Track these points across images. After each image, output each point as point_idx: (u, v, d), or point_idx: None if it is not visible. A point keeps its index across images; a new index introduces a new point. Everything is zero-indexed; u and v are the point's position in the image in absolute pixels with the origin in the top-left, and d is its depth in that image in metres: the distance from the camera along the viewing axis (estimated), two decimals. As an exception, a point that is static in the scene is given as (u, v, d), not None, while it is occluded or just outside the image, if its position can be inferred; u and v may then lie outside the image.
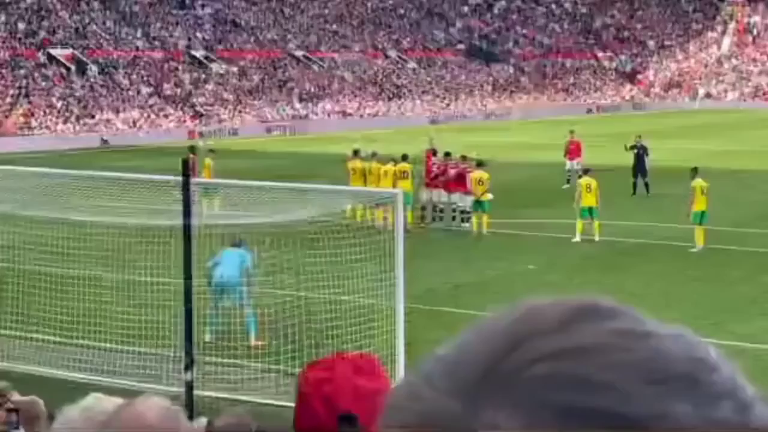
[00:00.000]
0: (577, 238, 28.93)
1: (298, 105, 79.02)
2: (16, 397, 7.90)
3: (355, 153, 34.06)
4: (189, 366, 14.23)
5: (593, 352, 0.86)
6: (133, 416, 2.49)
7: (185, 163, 14.82)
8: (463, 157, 33.03)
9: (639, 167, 38.86)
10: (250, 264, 18.29)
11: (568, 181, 38.57)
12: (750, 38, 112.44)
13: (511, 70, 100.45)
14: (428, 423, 0.86)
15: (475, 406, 0.85)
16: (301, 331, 17.08)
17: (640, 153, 39.27)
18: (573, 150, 40.54)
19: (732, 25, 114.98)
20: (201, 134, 31.37)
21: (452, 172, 32.42)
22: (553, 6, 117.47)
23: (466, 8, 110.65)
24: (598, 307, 0.90)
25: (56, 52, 74.79)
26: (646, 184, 38.24)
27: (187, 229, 14.09)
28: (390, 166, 32.40)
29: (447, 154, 33.66)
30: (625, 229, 30.59)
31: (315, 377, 2.61)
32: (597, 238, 28.94)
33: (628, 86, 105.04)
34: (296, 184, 19.62)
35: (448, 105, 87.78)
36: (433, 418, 0.86)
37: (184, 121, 71.71)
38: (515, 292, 23.19)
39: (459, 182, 32.01)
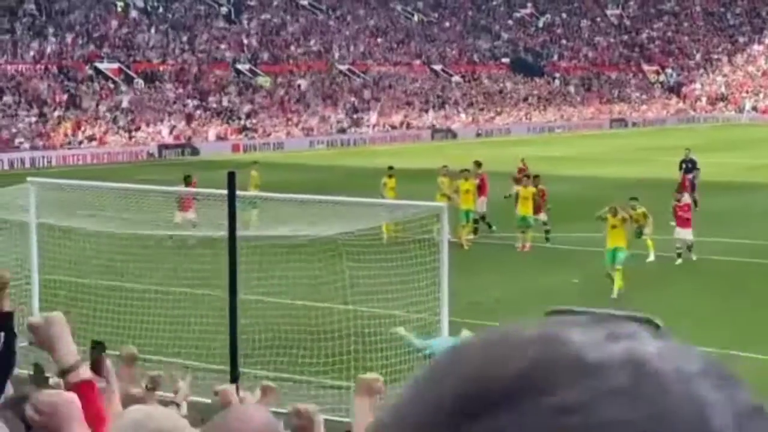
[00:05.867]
0: (651, 257, 28.86)
1: (344, 118, 79.18)
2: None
3: (390, 169, 34.41)
4: (235, 379, 14.26)
5: None
6: (241, 418, 2.56)
7: (231, 176, 14.83)
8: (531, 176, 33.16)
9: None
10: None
11: (489, 226, 33.94)
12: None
13: (557, 84, 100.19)
14: None
15: None
16: (348, 344, 17.10)
17: (689, 167, 39.03)
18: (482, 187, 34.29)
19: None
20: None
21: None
22: (598, 19, 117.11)
23: (510, 21, 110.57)
24: (556, 364, 0.79)
25: (104, 65, 75.46)
26: (695, 200, 37.87)
27: (232, 242, 14.13)
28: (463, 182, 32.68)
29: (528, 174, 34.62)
30: (672, 244, 30.40)
31: None
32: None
33: (674, 99, 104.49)
34: (341, 197, 19.67)
35: (493, 118, 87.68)
36: None
37: (231, 134, 72.04)
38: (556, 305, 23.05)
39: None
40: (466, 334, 18.43)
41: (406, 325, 17.20)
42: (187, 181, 30.85)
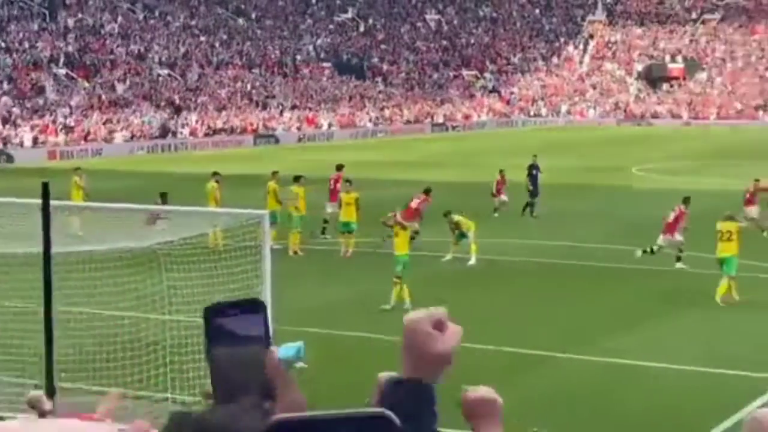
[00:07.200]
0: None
1: (165, 119, 77.94)
2: None
3: (214, 174, 33.91)
4: (51, 394, 13.83)
5: None
6: None
7: (45, 186, 14.37)
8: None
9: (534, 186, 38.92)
10: None
11: (323, 231, 33.54)
12: (610, 55, 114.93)
13: (380, 87, 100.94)
14: None
15: None
16: (166, 355, 16.78)
17: (535, 173, 39.47)
18: (334, 193, 33.95)
19: (593, 43, 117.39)
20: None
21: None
22: (419, 24, 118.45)
23: (332, 26, 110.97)
24: None
25: None
26: (529, 204, 38.11)
27: (47, 254, 13.70)
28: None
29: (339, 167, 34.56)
30: (502, 247, 30.83)
31: None
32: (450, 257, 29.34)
33: (493, 103, 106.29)
34: (161, 206, 19.31)
35: (316, 121, 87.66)
36: None
37: (49, 136, 70.17)
38: (375, 313, 23.21)
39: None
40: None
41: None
42: (163, 198, 30.30)
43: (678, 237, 28.20)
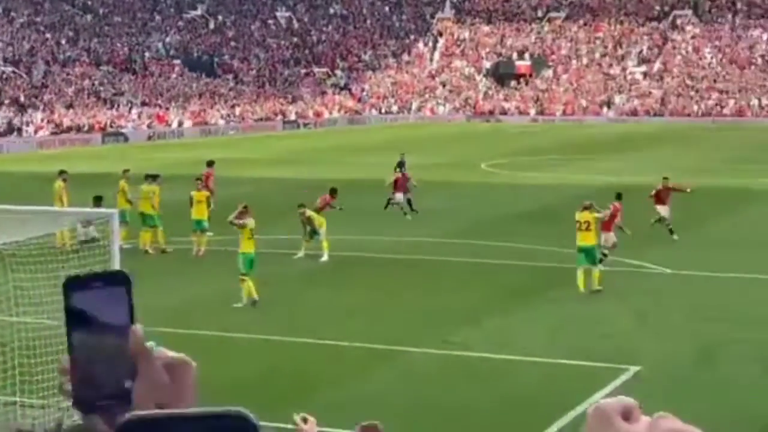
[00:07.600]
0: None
1: (10, 117, 76.19)
2: None
3: (61, 173, 33.22)
4: None
5: None
6: None
7: None
8: None
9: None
10: None
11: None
12: (459, 53, 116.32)
13: (231, 85, 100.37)
14: None
15: None
16: (14, 357, 16.45)
17: (403, 170, 39.59)
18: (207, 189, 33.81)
19: (442, 41, 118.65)
20: None
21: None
22: (269, 21, 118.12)
23: (181, 23, 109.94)
24: None
25: None
26: (409, 201, 37.90)
27: None
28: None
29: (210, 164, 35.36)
30: (355, 243, 30.95)
31: None
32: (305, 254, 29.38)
33: (344, 100, 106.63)
34: (7, 205, 18.91)
35: (166, 118, 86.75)
36: None
37: None
38: (230, 312, 23.19)
39: None
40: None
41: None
42: (97, 202, 29.68)
43: (613, 236, 27.42)
